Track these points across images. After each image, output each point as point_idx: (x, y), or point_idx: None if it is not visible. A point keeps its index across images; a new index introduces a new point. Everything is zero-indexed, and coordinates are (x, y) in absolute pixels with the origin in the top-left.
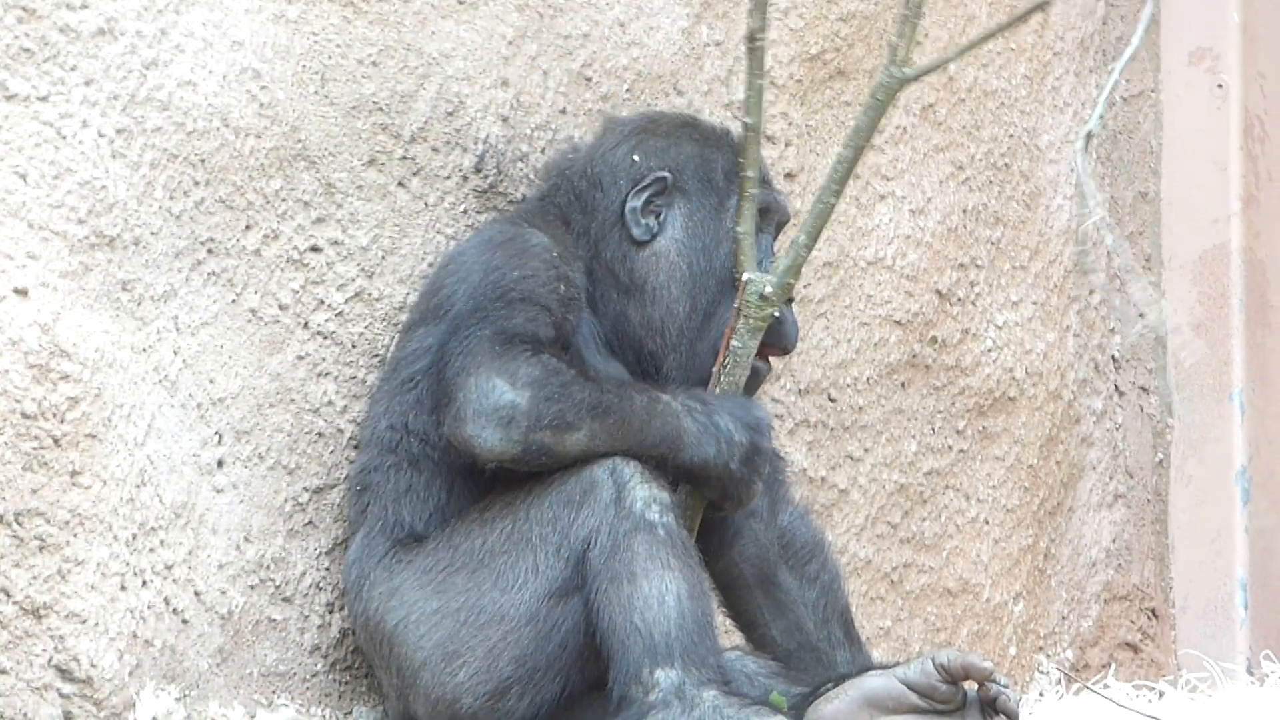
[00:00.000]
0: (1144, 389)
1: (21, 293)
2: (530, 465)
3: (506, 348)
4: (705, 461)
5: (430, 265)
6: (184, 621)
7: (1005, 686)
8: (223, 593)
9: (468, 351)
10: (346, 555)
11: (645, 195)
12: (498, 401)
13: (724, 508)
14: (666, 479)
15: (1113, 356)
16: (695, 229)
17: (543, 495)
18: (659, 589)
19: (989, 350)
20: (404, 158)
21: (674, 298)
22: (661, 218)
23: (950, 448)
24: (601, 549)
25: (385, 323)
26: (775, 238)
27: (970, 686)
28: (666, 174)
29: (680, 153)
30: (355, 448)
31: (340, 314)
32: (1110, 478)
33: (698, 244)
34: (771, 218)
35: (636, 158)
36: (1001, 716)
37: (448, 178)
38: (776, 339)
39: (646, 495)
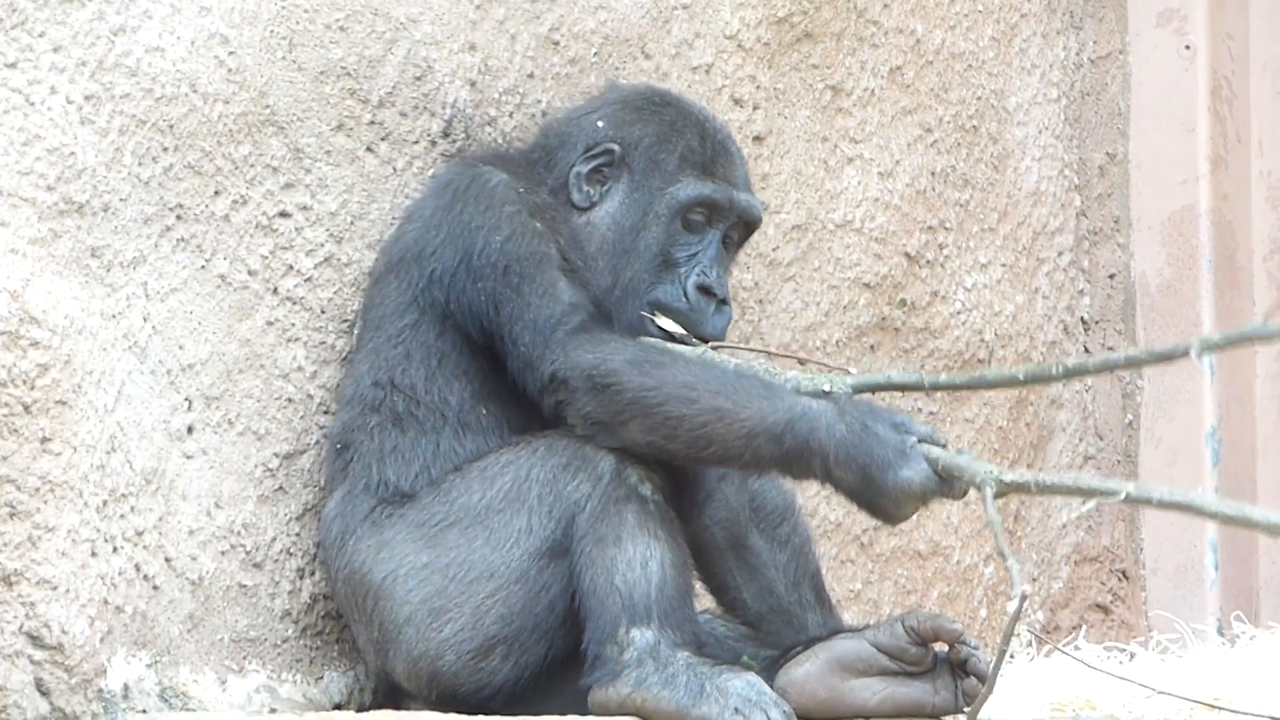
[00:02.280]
0: (1113, 350)
1: None
2: (603, 445)
3: (548, 339)
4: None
5: None
6: (155, 588)
7: (975, 648)
8: (193, 559)
9: (518, 343)
10: (324, 512)
11: (593, 164)
12: (558, 391)
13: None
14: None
15: (1082, 318)
16: (630, 207)
17: (546, 459)
18: (643, 554)
19: (958, 312)
20: (372, 122)
21: (599, 269)
22: (605, 189)
23: (920, 410)
24: (591, 513)
25: (354, 288)
26: (739, 241)
27: (940, 648)
28: (616, 146)
29: (641, 129)
30: (326, 412)
31: (309, 279)
32: (1080, 439)
33: (627, 222)
34: (723, 214)
35: (600, 124)
36: (972, 678)
37: (416, 142)
38: (694, 328)
39: (642, 472)
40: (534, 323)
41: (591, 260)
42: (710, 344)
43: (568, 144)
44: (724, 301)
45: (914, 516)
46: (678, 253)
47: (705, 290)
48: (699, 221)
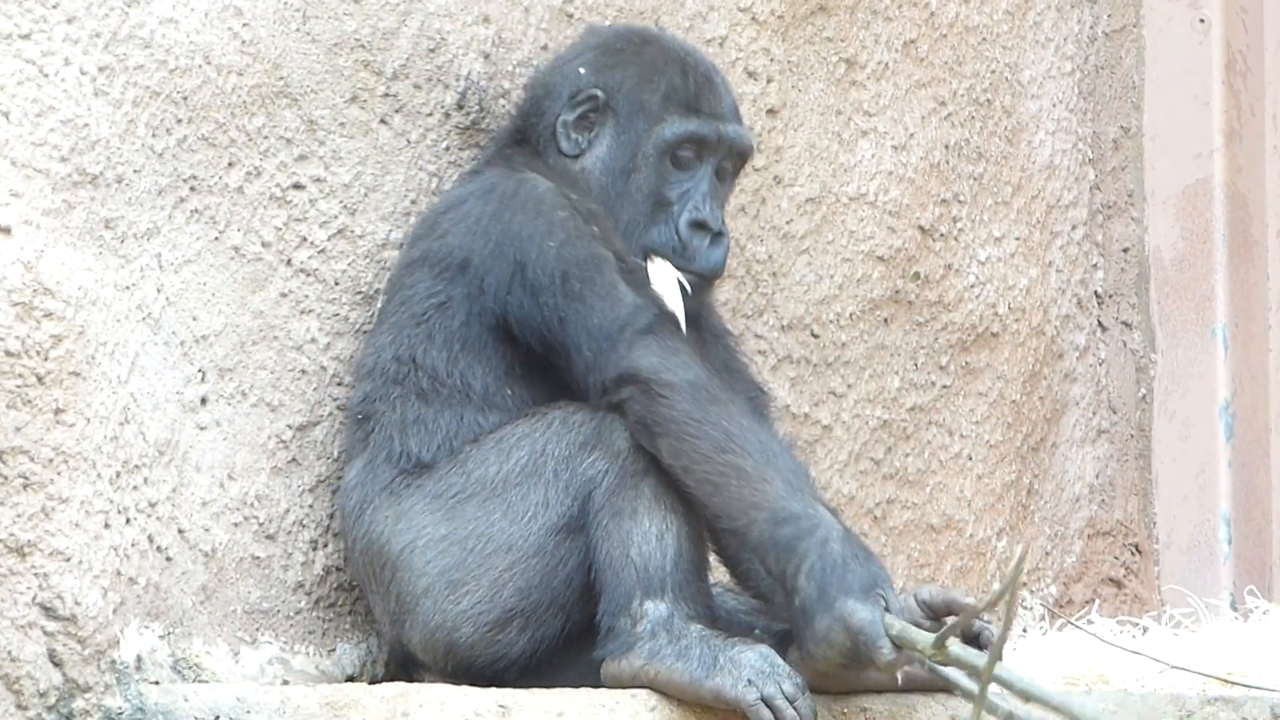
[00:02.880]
0: (1127, 324)
1: (4, 231)
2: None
3: (615, 344)
4: (767, 567)
5: (413, 202)
6: (168, 559)
7: (988, 622)
8: (206, 530)
9: (581, 348)
10: (344, 481)
11: (579, 111)
12: (619, 387)
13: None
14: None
15: (1095, 292)
16: (618, 151)
17: (562, 434)
18: (659, 527)
19: (972, 286)
20: (386, 95)
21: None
22: (593, 135)
23: (933, 383)
24: (608, 487)
25: (368, 260)
26: (733, 173)
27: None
28: (600, 92)
29: (623, 72)
30: (340, 384)
31: (323, 251)
32: (1093, 413)
33: (617, 166)
34: (713, 149)
35: (582, 70)
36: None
37: (430, 115)
38: (686, 265)
39: None
40: (599, 327)
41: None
42: None
43: (553, 94)
44: (719, 234)
45: (831, 664)
46: (670, 192)
47: (698, 225)
48: (689, 158)
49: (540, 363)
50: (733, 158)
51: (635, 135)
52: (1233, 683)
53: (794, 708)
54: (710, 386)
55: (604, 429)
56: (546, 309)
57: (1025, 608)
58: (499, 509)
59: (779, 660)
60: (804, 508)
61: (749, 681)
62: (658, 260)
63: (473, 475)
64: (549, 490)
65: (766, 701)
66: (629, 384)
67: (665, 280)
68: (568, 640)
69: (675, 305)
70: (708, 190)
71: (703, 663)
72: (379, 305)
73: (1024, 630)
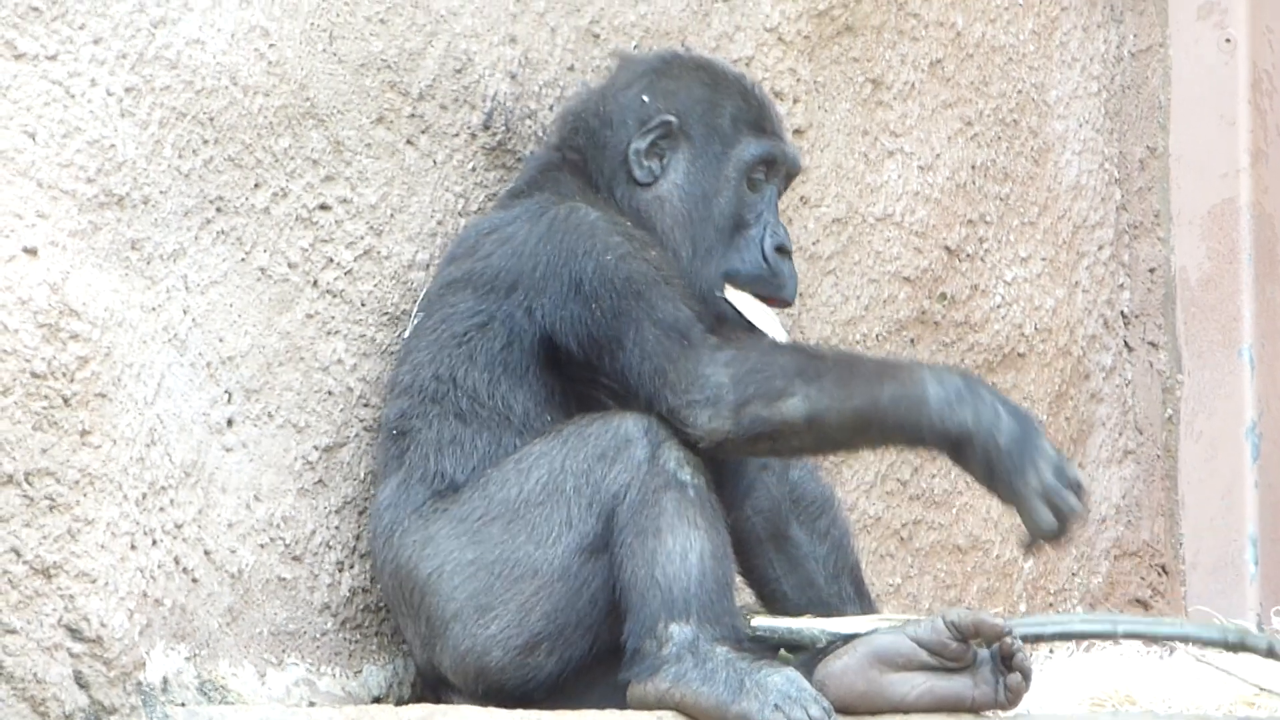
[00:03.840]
0: (1153, 344)
1: (31, 252)
2: (753, 443)
3: (684, 336)
4: (960, 426)
5: (439, 223)
6: (194, 580)
7: (1021, 645)
8: (232, 552)
9: (643, 343)
10: (377, 500)
11: (650, 138)
12: (701, 388)
13: (1003, 500)
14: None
15: (1122, 312)
16: (696, 175)
17: (578, 448)
18: (683, 546)
19: (998, 306)
20: (412, 115)
21: (677, 241)
22: (665, 161)
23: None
24: (630, 504)
25: (394, 280)
26: (782, 192)
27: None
28: (672, 118)
29: (690, 96)
30: (366, 405)
31: (349, 272)
32: (1120, 434)
33: (698, 190)
34: (778, 169)
35: (646, 99)
36: (1016, 674)
37: (456, 135)
38: (775, 291)
39: (680, 455)
40: (663, 321)
41: (667, 234)
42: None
43: (613, 124)
44: (790, 255)
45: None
46: (747, 214)
47: (781, 250)
48: (760, 180)
49: (581, 390)
50: (787, 178)
51: (713, 158)
52: (1259, 703)
53: None
54: (809, 348)
55: (620, 439)
56: (601, 309)
57: None
58: (523, 531)
59: (805, 684)
60: (897, 364)
61: (775, 706)
62: (733, 291)
63: (495, 497)
64: (571, 508)
65: None
66: (719, 377)
67: (755, 309)
68: (596, 658)
69: (777, 333)
70: (775, 210)
71: (729, 686)
72: (412, 323)
73: (1050, 651)
